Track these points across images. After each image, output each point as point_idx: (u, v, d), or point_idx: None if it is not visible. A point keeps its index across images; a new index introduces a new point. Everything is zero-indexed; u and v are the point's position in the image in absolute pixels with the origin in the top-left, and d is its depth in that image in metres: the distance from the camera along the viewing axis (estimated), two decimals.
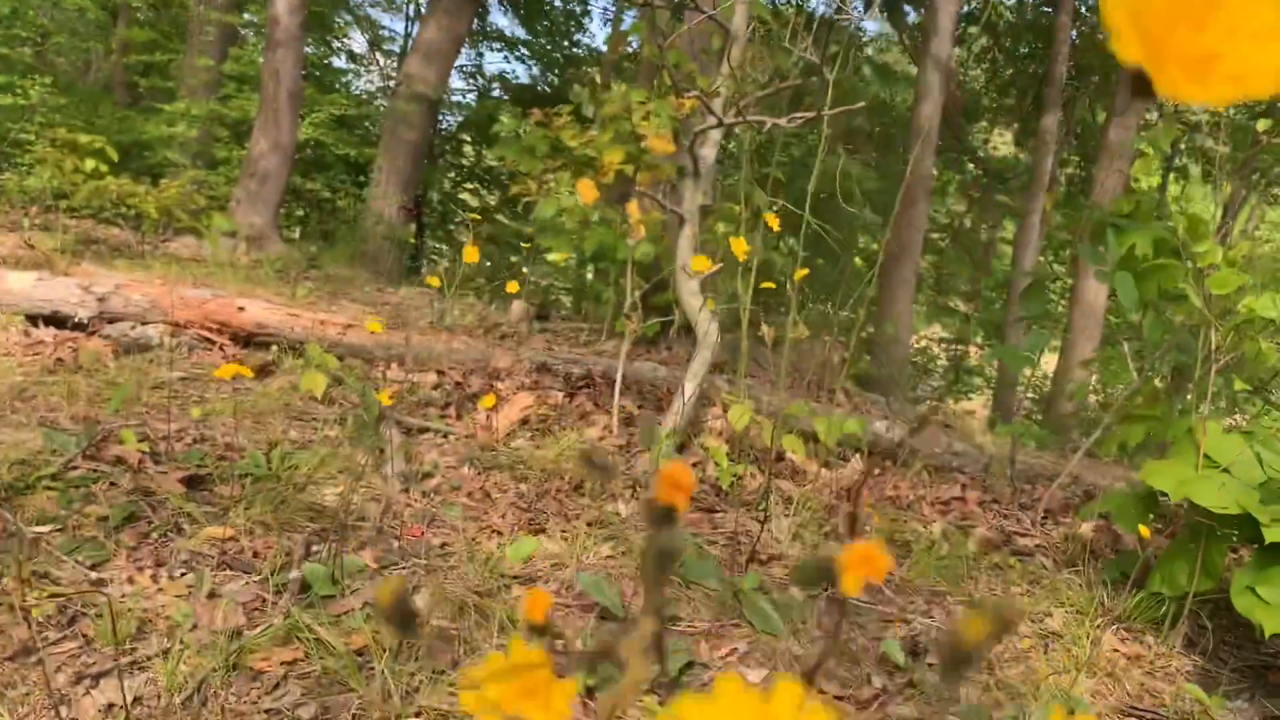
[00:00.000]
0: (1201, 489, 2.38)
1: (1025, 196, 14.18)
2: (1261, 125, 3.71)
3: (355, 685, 1.87)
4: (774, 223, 2.57)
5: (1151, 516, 2.72)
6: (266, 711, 1.77)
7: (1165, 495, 2.50)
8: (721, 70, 2.91)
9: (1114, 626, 2.59)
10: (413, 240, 11.95)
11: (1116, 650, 2.46)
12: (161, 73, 14.34)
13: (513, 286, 3.62)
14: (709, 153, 2.97)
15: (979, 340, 18.35)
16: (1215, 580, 2.50)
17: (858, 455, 3.52)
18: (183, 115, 11.02)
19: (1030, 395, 12.29)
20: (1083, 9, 16.39)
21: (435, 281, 3.50)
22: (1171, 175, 13.76)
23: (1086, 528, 3.26)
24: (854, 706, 2.06)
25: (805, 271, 2.61)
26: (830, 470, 3.33)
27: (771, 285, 3.59)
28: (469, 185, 19.68)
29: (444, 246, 18.81)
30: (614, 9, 19.65)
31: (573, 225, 4.34)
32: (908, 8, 17.78)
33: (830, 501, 3.01)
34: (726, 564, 2.58)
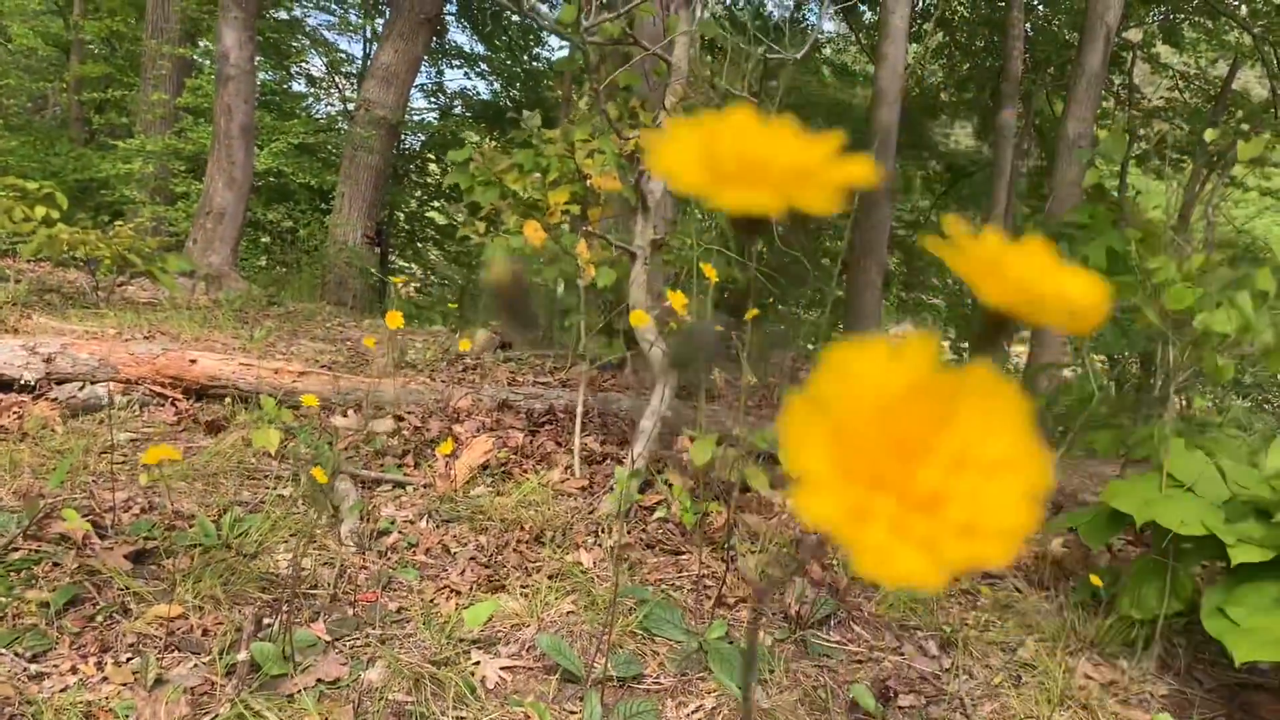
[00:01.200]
0: (1165, 510, 2.35)
1: (989, 191, 14.23)
2: (1209, 135, 3.70)
3: None
4: (711, 273, 2.52)
5: (1119, 533, 2.68)
6: None
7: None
8: (666, 103, 2.86)
9: (1087, 653, 2.55)
10: (373, 270, 11.85)
11: (1090, 678, 2.42)
12: (117, 108, 14.19)
13: (464, 345, 3.55)
14: (657, 186, 2.91)
15: (950, 335, 18.38)
16: (1185, 601, 2.47)
17: None
18: (139, 151, 10.90)
19: None
20: (1035, 2, 16.49)
21: (396, 322, 3.41)
22: (1132, 163, 13.83)
23: (1056, 544, 3.23)
24: None
25: (755, 312, 2.56)
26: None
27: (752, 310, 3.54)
28: (435, 204, 19.59)
29: (411, 266, 18.71)
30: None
31: (530, 256, 4.28)
32: (863, 7, 17.85)
33: (796, 535, 2.96)
34: (693, 610, 2.53)
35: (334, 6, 19.10)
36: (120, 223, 7.23)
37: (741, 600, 2.60)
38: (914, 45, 17.44)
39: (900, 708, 2.21)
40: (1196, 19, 16.47)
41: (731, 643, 2.32)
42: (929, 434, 0.37)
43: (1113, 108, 15.35)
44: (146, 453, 1.91)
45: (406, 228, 18.86)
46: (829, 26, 19.19)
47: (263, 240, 11.84)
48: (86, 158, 12.58)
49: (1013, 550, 0.35)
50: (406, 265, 18.62)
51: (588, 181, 3.03)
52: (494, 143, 3.94)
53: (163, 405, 3.74)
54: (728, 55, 3.26)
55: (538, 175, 3.33)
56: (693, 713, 2.12)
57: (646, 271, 2.90)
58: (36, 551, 2.49)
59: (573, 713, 2.07)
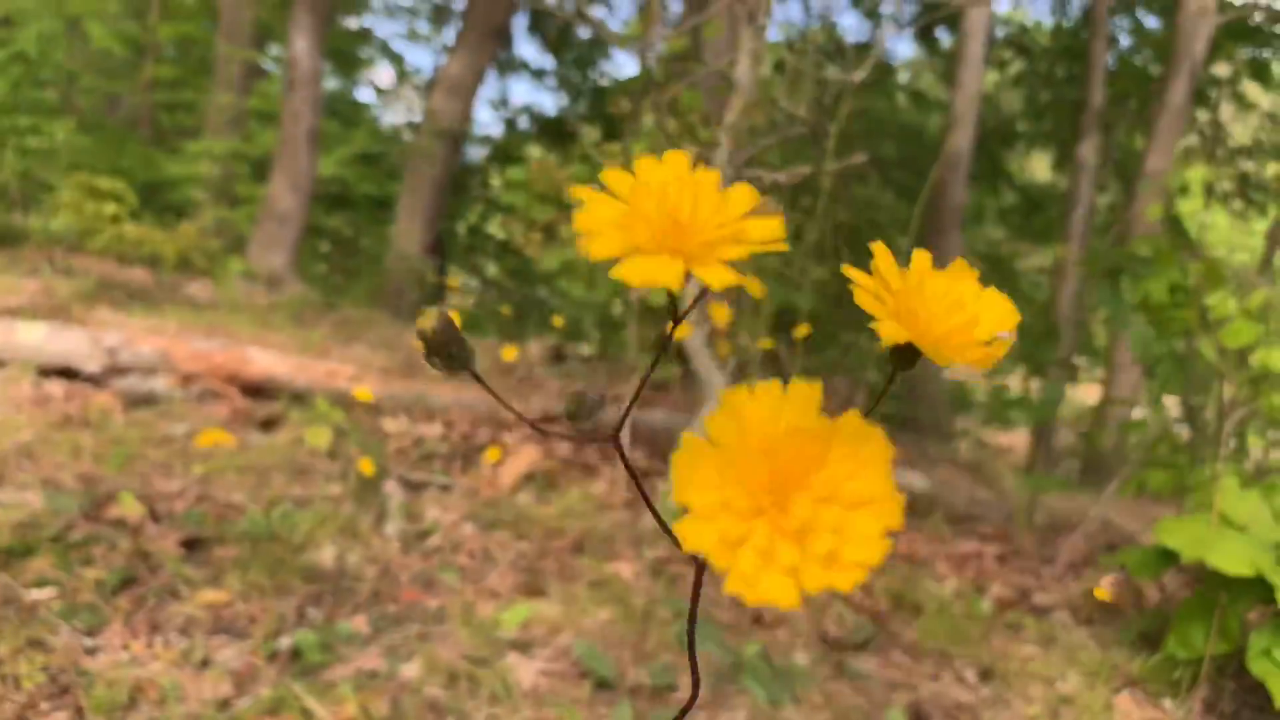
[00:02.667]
0: (1215, 549, 2.31)
1: (1064, 224, 14.05)
2: None
3: None
4: (754, 289, 2.53)
5: (1172, 570, 2.64)
6: None
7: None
8: (725, 122, 2.88)
9: (1130, 690, 2.50)
10: (433, 278, 12.01)
11: (1131, 716, 2.38)
12: (187, 110, 14.55)
13: (557, 320, 3.61)
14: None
15: (1021, 372, 18.10)
16: (1232, 643, 2.42)
17: None
18: (205, 153, 11.15)
19: (1073, 429, 12.11)
20: (1118, 36, 16.28)
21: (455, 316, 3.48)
22: (1213, 202, 13.56)
23: (1106, 581, 3.17)
24: None
25: (806, 330, 2.57)
26: None
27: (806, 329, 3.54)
28: (495, 217, 19.78)
29: (470, 280, 18.88)
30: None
31: (584, 268, 4.33)
32: (940, 33, 17.75)
33: None
34: (731, 628, 2.52)
35: (403, 17, 19.47)
36: (185, 222, 7.42)
37: (781, 620, 2.59)
38: (993, 73, 17.30)
39: None
40: None
41: (768, 659, 2.32)
42: (804, 472, 0.41)
43: (1197, 145, 15.06)
44: (200, 435, 1.96)
45: (467, 241, 19.07)
46: (906, 51, 19.10)
47: (322, 248, 12.03)
48: (155, 158, 12.89)
49: (863, 578, 0.39)
50: (465, 277, 18.81)
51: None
52: (553, 157, 3.99)
53: (219, 401, 3.82)
54: (791, 77, 3.28)
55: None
56: None
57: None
58: (95, 533, 2.56)
59: (604, 718, 2.08)
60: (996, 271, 18.30)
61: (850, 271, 0.50)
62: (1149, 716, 2.40)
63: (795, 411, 0.45)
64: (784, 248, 0.54)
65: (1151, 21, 15.42)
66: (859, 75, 2.91)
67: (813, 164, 2.93)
